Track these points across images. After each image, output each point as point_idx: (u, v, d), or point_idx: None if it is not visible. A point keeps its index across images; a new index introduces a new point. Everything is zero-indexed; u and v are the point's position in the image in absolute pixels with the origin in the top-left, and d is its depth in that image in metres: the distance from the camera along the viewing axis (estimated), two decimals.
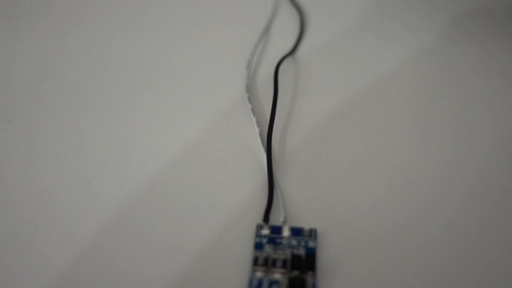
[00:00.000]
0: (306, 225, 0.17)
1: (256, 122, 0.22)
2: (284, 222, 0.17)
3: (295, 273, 0.15)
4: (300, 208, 0.18)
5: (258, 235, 0.17)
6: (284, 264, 0.16)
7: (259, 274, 0.16)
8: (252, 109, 0.22)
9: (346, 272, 0.16)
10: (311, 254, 0.16)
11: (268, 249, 0.16)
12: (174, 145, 0.21)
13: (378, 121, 0.22)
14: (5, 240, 0.17)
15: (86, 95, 0.23)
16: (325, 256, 0.16)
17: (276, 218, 0.18)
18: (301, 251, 0.16)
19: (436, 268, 0.16)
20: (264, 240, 0.17)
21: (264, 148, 0.20)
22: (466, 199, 0.18)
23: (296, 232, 0.17)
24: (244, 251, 0.17)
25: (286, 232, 0.17)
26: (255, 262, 0.16)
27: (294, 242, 0.17)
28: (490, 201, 0.18)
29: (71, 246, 0.17)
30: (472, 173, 0.19)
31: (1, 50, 0.26)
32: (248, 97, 0.23)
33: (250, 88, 0.24)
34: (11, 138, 0.21)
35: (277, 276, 0.16)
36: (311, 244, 0.17)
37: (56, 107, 0.23)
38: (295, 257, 0.16)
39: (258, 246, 0.17)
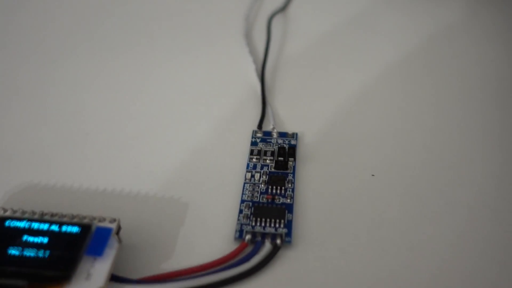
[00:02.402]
0: (289, 131, 0.23)
1: (252, 60, 0.27)
2: (273, 128, 0.23)
3: (280, 158, 0.21)
4: (285, 120, 0.24)
5: (253, 137, 0.23)
6: (272, 154, 0.22)
7: (254, 160, 0.21)
8: (249, 51, 0.28)
9: (317, 160, 0.22)
10: (293, 147, 0.22)
11: (261, 145, 0.22)
12: (188, 77, 0.26)
13: (357, 58, 0.28)
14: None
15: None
16: (303, 151, 0.22)
17: (268, 127, 0.23)
18: (285, 146, 0.22)
19: (390, 156, 0.22)
20: (258, 140, 0.23)
21: (258, 78, 0.26)
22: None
23: (282, 134, 0.23)
24: (244, 147, 0.22)
25: (274, 135, 0.23)
26: (251, 153, 0.22)
27: (280, 141, 0.23)
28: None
29: None
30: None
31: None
32: (246, 43, 0.29)
33: (247, 36, 0.30)
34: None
35: (267, 161, 0.21)
36: (293, 142, 0.22)
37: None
38: (280, 149, 0.22)
39: (253, 143, 0.22)
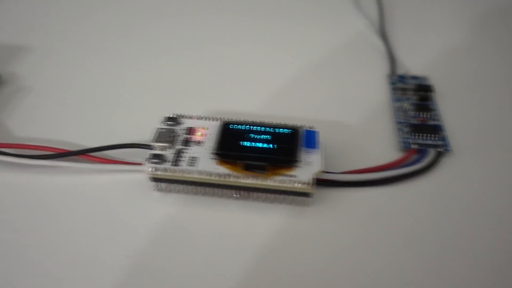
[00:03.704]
0: (420, 74, 0.27)
1: (369, 23, 0.31)
2: (406, 72, 0.27)
3: (421, 93, 0.25)
4: (415, 66, 0.28)
5: (391, 78, 0.27)
6: (412, 89, 0.26)
7: (398, 95, 0.25)
8: (363, 16, 0.32)
9: (449, 95, 0.26)
10: (428, 86, 0.26)
11: (398, 84, 0.26)
12: (322, 39, 0.31)
13: None
14: None
15: None
16: (437, 88, 0.26)
17: (398, 72, 0.27)
18: (421, 84, 0.26)
19: None
20: (396, 81, 0.27)
21: (379, 34, 0.30)
22: None
23: (414, 77, 0.27)
24: (382, 87, 0.26)
25: (408, 77, 0.27)
26: (394, 89, 0.26)
27: (414, 81, 0.26)
28: None
29: None
30: None
31: None
32: (357, 10, 0.33)
33: (357, 5, 0.34)
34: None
35: (409, 95, 0.25)
36: (425, 82, 0.26)
37: None
38: (417, 85, 0.26)
39: (393, 83, 0.26)
